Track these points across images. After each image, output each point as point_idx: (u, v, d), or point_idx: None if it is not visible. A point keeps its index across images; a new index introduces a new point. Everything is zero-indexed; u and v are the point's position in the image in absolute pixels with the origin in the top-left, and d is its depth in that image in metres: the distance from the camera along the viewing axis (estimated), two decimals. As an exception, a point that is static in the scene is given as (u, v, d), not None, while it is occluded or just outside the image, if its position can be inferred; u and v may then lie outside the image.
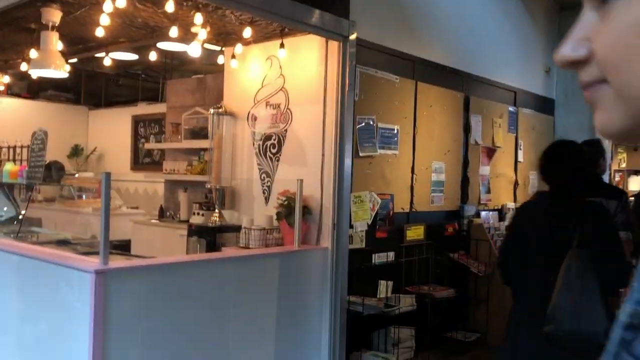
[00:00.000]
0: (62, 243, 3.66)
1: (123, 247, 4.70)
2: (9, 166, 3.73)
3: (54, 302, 2.81)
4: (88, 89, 9.82)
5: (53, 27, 3.62)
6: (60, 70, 3.71)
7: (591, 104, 0.46)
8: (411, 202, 4.33)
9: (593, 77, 0.45)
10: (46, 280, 2.90)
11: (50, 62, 3.63)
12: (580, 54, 0.45)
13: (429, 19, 4.49)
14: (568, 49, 0.46)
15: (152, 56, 5.15)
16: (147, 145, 6.91)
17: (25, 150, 7.68)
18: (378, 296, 3.82)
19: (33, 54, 3.83)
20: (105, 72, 9.60)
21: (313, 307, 3.51)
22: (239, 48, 3.98)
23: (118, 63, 6.40)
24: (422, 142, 4.42)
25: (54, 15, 3.55)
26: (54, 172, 3.70)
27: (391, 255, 4.02)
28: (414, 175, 4.35)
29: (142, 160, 7.83)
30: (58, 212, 5.30)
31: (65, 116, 9.19)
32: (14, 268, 3.11)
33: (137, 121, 8.03)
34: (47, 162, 3.76)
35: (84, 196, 6.15)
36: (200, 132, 5.32)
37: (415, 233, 4.26)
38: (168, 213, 5.30)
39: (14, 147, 7.82)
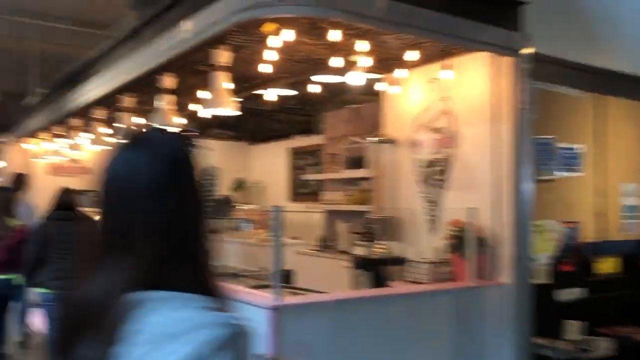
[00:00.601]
0: (233, 276, 3.75)
1: (286, 278, 4.72)
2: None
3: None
4: (247, 125, 10.40)
5: (222, 68, 3.71)
6: (229, 109, 3.78)
7: None
8: (600, 231, 3.81)
9: None
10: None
11: (221, 102, 3.70)
12: None
13: (612, 24, 4.00)
14: None
15: (312, 89, 5.25)
16: (307, 176, 6.97)
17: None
18: (567, 338, 3.37)
19: (204, 94, 4.03)
20: (263, 108, 10.13)
21: (492, 349, 3.18)
22: (399, 73, 3.85)
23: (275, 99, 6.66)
24: (610, 162, 3.90)
25: (223, 56, 3.69)
26: (224, 206, 3.83)
27: (579, 291, 3.55)
28: (602, 200, 3.84)
29: (299, 191, 8.01)
30: (225, 244, 5.51)
31: (229, 152, 9.78)
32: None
33: (293, 153, 8.26)
34: (218, 196, 3.89)
35: (247, 227, 6.37)
36: (357, 161, 5.27)
37: (606, 266, 3.73)
38: (328, 243, 5.27)
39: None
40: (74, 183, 8.61)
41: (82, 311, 0.91)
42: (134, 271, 0.88)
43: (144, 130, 1.21)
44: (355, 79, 3.76)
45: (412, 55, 3.48)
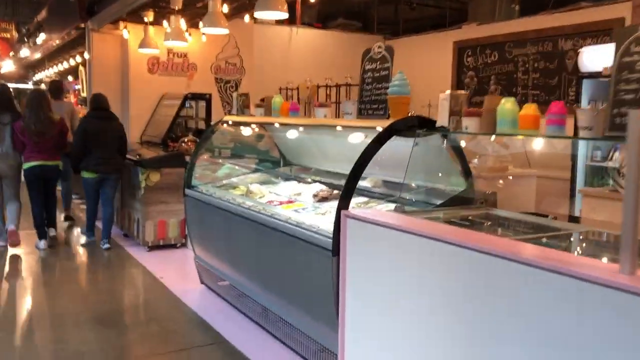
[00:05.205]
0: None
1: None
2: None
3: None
4: (381, 16, 8.42)
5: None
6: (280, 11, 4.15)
7: None
8: None
9: None
10: None
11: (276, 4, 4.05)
12: None
13: None
14: None
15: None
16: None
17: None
18: None
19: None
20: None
21: None
22: None
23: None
24: None
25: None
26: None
27: None
28: None
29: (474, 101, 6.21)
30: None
31: (358, 48, 7.93)
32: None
33: (460, 48, 6.36)
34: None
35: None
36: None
37: None
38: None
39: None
40: (174, 85, 6.96)
41: None
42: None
43: None
44: None
45: None
